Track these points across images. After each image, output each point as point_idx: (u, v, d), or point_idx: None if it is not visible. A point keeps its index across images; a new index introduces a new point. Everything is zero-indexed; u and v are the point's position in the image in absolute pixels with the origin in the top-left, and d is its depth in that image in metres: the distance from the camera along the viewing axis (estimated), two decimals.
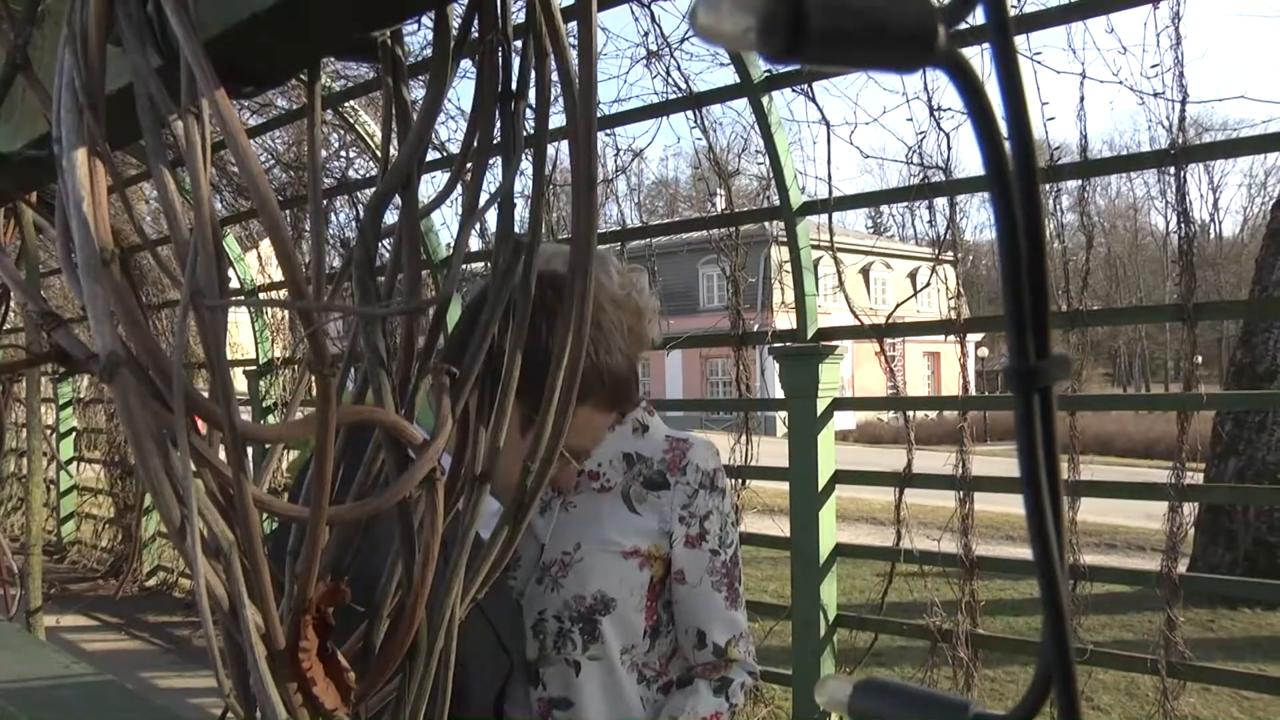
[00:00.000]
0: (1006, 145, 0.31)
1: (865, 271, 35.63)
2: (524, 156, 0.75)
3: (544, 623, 1.80)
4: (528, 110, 0.76)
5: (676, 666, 1.92)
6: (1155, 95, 3.85)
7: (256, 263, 8.30)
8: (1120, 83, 3.95)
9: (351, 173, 7.18)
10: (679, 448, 1.90)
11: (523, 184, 0.78)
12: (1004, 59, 0.31)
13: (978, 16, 0.33)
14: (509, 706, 1.78)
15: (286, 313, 7.53)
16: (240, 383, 7.91)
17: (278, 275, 7.55)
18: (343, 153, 7.20)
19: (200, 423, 0.57)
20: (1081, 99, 4.03)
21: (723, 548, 1.89)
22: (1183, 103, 3.80)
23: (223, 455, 0.56)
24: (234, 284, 7.49)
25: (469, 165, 0.74)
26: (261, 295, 7.66)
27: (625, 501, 1.86)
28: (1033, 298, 0.32)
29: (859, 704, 0.46)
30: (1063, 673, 0.36)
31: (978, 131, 0.31)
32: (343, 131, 6.80)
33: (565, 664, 1.80)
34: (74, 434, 11.15)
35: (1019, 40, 3.80)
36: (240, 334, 9.03)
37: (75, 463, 11.28)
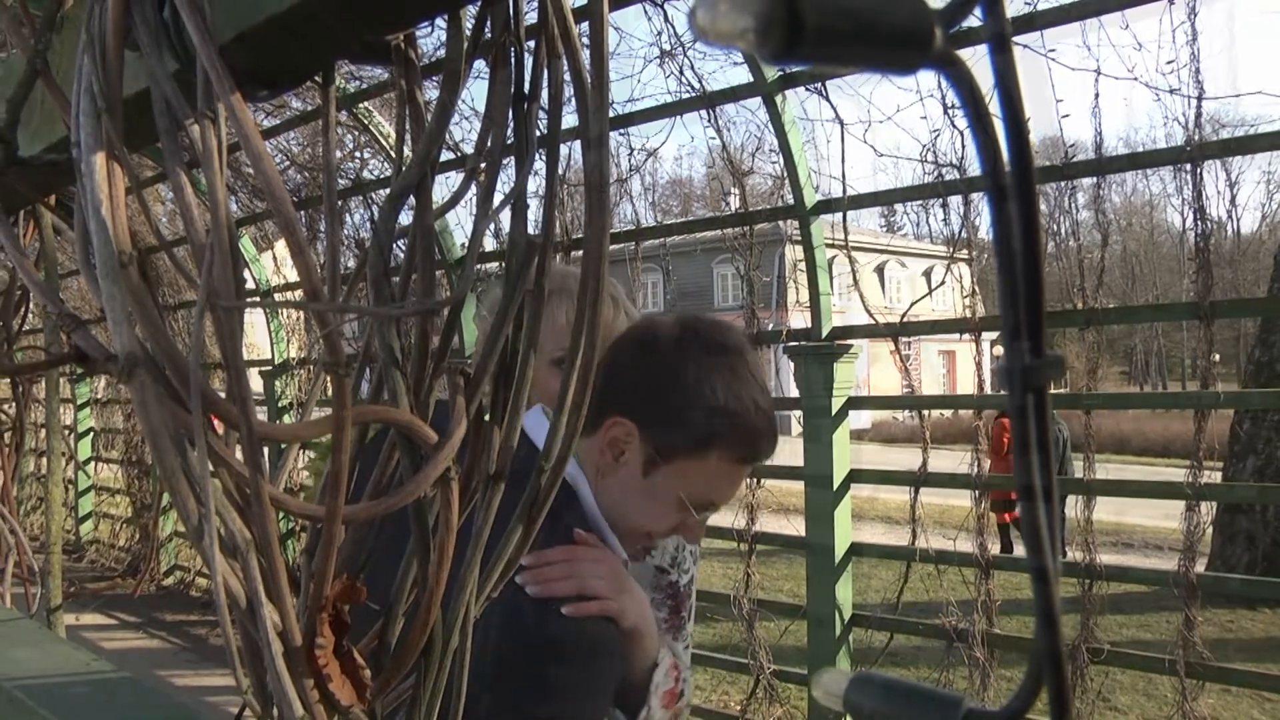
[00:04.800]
0: (1003, 146, 0.31)
1: (880, 270, 35.54)
2: (538, 157, 0.75)
3: None
4: (541, 111, 0.77)
5: None
6: (1171, 91, 3.83)
7: (272, 263, 8.33)
8: (1135, 79, 3.93)
9: (365, 174, 7.20)
10: None
11: (536, 184, 0.79)
12: (1001, 61, 0.31)
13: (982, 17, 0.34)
14: None
15: (301, 313, 7.56)
16: (256, 383, 7.94)
17: (293, 276, 7.58)
18: (357, 154, 7.22)
19: (218, 422, 0.58)
20: (1096, 96, 4.02)
21: (674, 568, 1.80)
22: (1199, 99, 3.78)
23: (239, 454, 0.57)
24: (249, 285, 7.52)
25: (483, 166, 0.74)
26: (277, 296, 7.69)
27: None
28: (1028, 297, 0.32)
29: (854, 698, 0.46)
30: (1054, 670, 0.36)
31: (974, 132, 0.31)
32: (357, 133, 6.82)
33: None
34: (92, 434, 11.22)
35: (1033, 37, 3.80)
36: (256, 334, 9.07)
37: (93, 462, 11.35)
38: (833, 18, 0.31)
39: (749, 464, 1.56)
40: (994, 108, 0.33)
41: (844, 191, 4.75)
